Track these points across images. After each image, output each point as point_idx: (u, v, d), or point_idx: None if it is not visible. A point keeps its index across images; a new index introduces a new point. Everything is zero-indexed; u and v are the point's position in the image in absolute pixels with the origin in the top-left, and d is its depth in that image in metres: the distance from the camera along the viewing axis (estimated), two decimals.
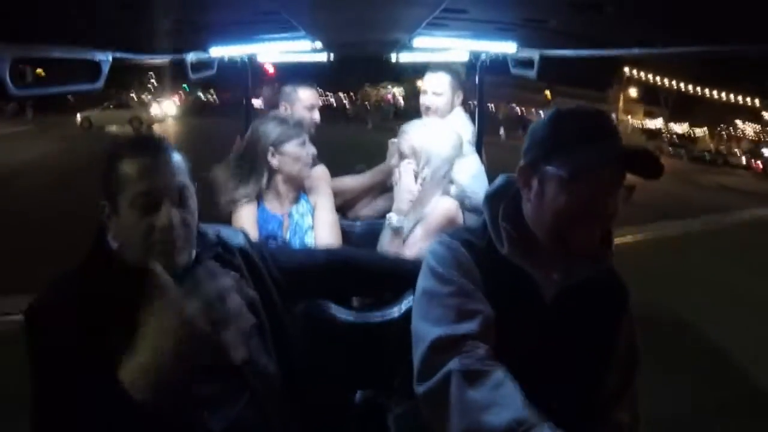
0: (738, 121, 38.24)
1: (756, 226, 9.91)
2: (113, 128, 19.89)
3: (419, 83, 2.50)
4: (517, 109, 37.34)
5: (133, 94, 32.56)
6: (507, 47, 1.93)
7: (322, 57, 2.45)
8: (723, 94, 30.78)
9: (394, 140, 1.92)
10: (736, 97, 30.59)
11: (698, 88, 31.25)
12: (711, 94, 31.31)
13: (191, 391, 0.95)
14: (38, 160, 11.33)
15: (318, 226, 1.85)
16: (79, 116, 20.76)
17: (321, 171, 1.96)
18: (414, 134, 1.70)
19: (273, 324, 1.14)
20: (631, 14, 1.15)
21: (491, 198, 1.07)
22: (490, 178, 1.52)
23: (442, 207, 1.67)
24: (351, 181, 2.24)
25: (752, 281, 5.43)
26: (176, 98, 32.78)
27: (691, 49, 1.26)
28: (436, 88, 2.29)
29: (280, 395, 1.10)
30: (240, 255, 1.16)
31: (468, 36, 1.87)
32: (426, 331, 0.93)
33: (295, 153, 1.76)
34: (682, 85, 31.97)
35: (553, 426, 0.77)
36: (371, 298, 1.60)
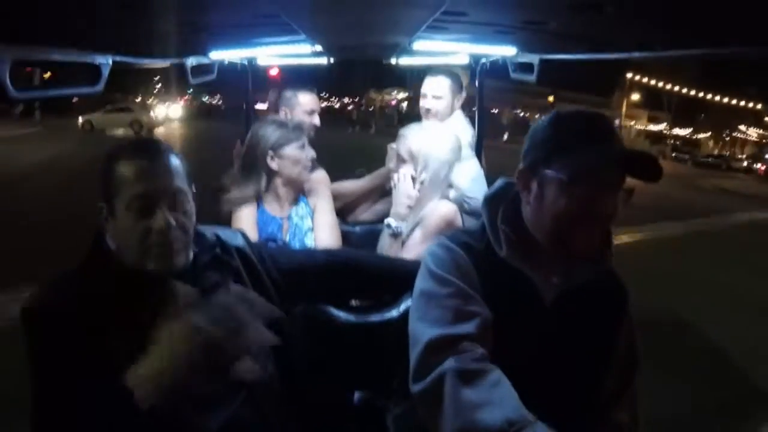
0: (742, 126, 38.14)
1: (755, 228, 10.03)
2: (120, 131, 20.01)
3: None
4: (521, 113, 37.40)
5: (138, 98, 32.76)
6: (507, 50, 1.93)
7: (322, 60, 2.46)
8: (726, 99, 30.71)
9: (393, 145, 1.92)
10: (738, 101, 30.52)
11: (701, 93, 31.20)
12: (714, 99, 31.25)
13: (190, 391, 0.95)
14: (47, 162, 11.40)
15: (318, 229, 1.85)
16: (80, 119, 20.90)
17: (320, 175, 1.96)
18: (412, 138, 1.70)
19: (272, 324, 1.14)
20: (631, 17, 1.14)
21: (490, 201, 1.08)
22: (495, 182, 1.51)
23: (441, 210, 1.66)
24: (350, 185, 2.24)
25: (746, 280, 5.49)
26: (182, 102, 32.98)
27: (691, 52, 1.25)
28: (436, 92, 2.29)
29: (278, 395, 1.10)
30: (238, 256, 1.16)
31: (468, 39, 1.87)
32: (423, 332, 0.94)
33: (294, 156, 1.77)
34: (685, 89, 31.92)
35: (545, 426, 0.78)
36: (370, 299, 1.59)
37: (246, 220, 1.74)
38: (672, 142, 38.75)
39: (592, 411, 1.02)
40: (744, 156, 35.35)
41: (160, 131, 21.67)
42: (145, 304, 0.95)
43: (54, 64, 1.17)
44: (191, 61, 1.89)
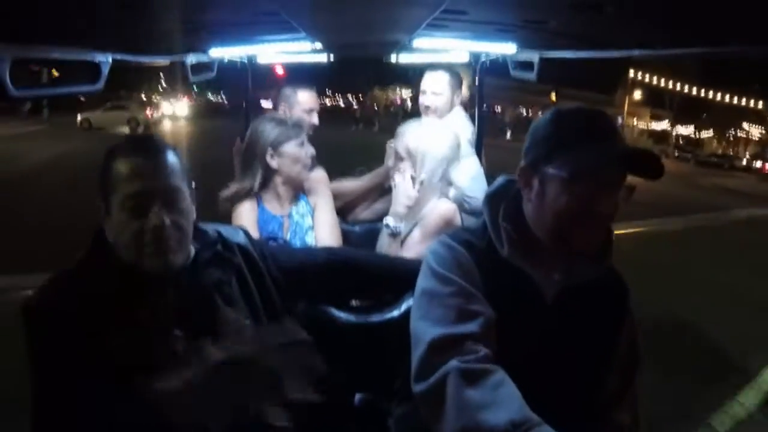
0: (745, 124, 37.98)
1: (750, 224, 10.09)
2: (125, 129, 20.04)
3: None
4: (524, 111, 37.33)
5: (143, 96, 32.83)
6: (507, 48, 1.92)
7: (322, 58, 2.46)
8: (727, 97, 30.62)
9: (392, 143, 1.91)
10: (740, 100, 30.42)
11: (703, 91, 31.09)
12: (715, 97, 31.15)
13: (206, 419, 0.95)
14: (54, 160, 11.48)
15: (318, 227, 1.85)
16: (79, 116, 20.97)
17: (320, 174, 1.96)
18: (410, 135, 1.69)
19: (273, 323, 1.14)
20: (631, 16, 1.14)
21: (491, 198, 1.07)
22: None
23: (440, 209, 1.66)
24: (350, 184, 2.24)
25: (746, 278, 5.51)
26: (186, 100, 33.06)
27: (690, 51, 1.25)
28: (435, 88, 2.29)
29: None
30: (240, 253, 1.16)
31: (468, 37, 1.87)
32: (425, 331, 0.93)
33: (294, 153, 1.76)
34: (687, 88, 31.81)
35: (549, 428, 0.77)
36: (371, 298, 1.59)
37: (246, 217, 1.74)
38: (675, 141, 38.60)
39: (593, 410, 1.02)
40: (747, 155, 35.19)
41: (166, 129, 21.75)
42: (144, 302, 0.95)
43: (54, 63, 1.17)
44: (191, 59, 1.89)
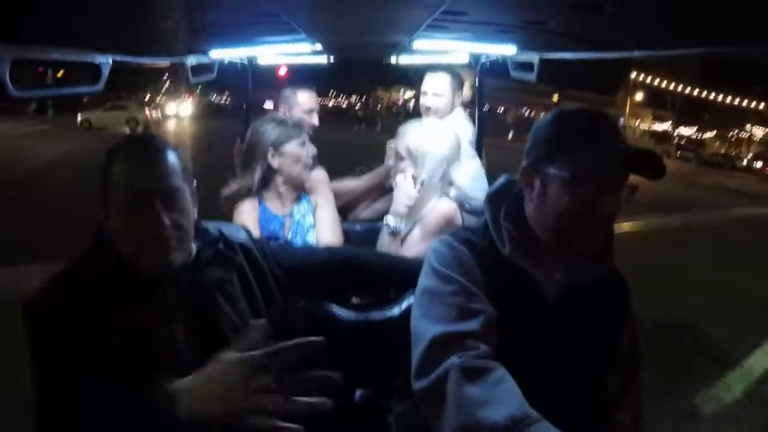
0: (748, 125, 37.90)
1: (750, 223, 10.14)
2: (126, 129, 20.07)
3: None
4: (526, 112, 37.32)
5: (147, 96, 32.94)
6: (507, 49, 1.92)
7: (322, 59, 2.46)
8: (729, 98, 30.54)
9: (393, 143, 1.92)
10: (742, 101, 30.35)
11: (705, 92, 31.03)
12: (717, 98, 31.08)
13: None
14: (58, 159, 11.51)
15: (319, 226, 1.85)
16: (79, 117, 21.03)
17: (320, 173, 1.96)
18: (410, 136, 1.70)
19: (274, 321, 1.14)
20: (631, 16, 1.14)
21: (492, 198, 1.08)
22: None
23: (441, 209, 1.66)
24: (350, 184, 2.24)
25: (746, 275, 5.55)
26: (190, 100, 33.18)
27: (691, 51, 1.25)
28: (436, 89, 2.29)
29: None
30: (242, 251, 1.16)
31: (468, 38, 1.87)
32: (426, 329, 0.93)
33: (295, 153, 1.77)
34: (689, 89, 31.76)
35: (549, 425, 0.77)
36: (371, 296, 1.59)
37: (248, 216, 1.75)
38: (677, 141, 38.52)
39: (594, 410, 1.02)
40: (750, 156, 35.10)
41: (170, 129, 21.82)
42: (145, 301, 0.96)
43: (54, 64, 1.17)
44: (191, 60, 1.89)
